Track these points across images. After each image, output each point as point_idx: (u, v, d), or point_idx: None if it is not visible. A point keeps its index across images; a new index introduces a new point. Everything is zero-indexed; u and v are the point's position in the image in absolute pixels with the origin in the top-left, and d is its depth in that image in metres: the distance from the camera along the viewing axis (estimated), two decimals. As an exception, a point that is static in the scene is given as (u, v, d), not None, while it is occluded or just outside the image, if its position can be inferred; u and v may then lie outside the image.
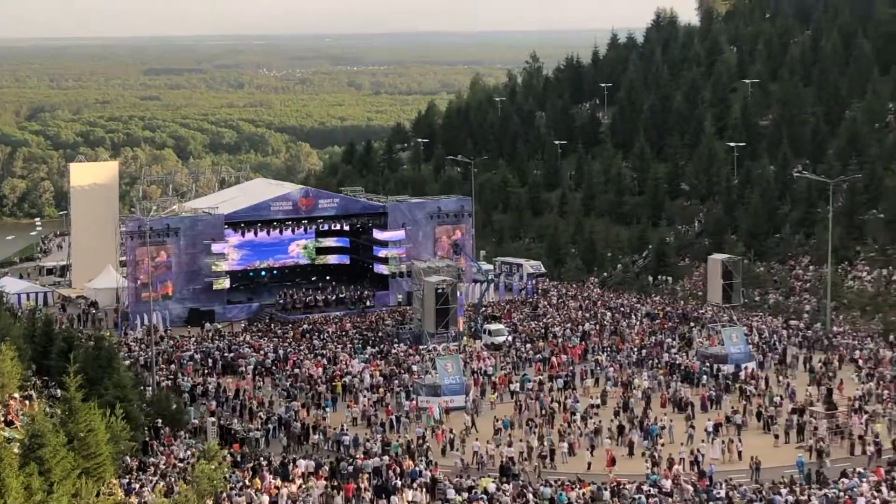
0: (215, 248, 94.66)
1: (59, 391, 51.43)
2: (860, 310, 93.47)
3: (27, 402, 49.10)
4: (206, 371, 75.79)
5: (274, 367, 75.89)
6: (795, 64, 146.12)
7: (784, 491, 48.04)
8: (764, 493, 48.35)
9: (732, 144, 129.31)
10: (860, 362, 75.17)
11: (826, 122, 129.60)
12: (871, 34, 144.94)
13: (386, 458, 55.41)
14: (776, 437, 60.87)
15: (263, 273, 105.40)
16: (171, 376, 73.00)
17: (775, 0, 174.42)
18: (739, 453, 57.37)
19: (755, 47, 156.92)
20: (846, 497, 46.48)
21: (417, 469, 53.30)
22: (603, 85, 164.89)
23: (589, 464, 56.71)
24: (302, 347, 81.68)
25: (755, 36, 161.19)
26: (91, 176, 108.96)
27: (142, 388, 66.14)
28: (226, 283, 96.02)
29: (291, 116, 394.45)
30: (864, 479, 49.12)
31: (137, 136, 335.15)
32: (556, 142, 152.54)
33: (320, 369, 74.46)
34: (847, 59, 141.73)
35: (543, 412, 64.87)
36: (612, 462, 55.75)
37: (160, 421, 60.36)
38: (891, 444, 58.03)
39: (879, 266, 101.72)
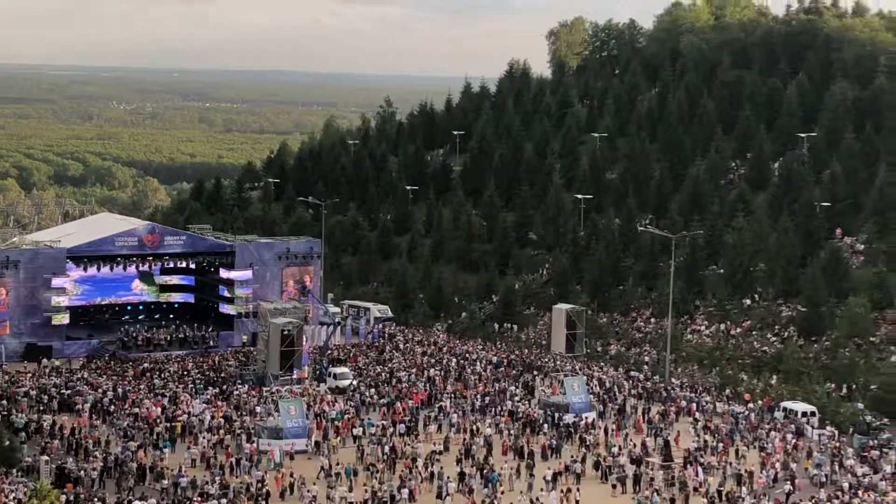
0: (56, 282, 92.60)
1: None
2: (698, 363, 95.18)
3: None
4: (41, 408, 73.92)
5: (112, 406, 74.27)
6: (642, 120, 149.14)
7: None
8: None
9: (580, 196, 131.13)
10: (697, 415, 76.72)
11: (670, 178, 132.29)
12: (715, 94, 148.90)
13: (224, 501, 54.77)
14: (613, 486, 61.71)
15: (105, 309, 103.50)
16: (5, 412, 71.11)
17: (624, 57, 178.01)
18: (577, 502, 57.95)
19: (604, 102, 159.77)
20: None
21: (255, 513, 52.86)
22: (455, 132, 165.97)
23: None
24: (142, 386, 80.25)
25: (604, 91, 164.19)
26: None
27: (-27, 424, 64.47)
28: (65, 318, 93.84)
29: (140, 151, 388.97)
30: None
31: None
32: (408, 187, 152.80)
33: (160, 409, 73.26)
34: (692, 118, 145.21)
35: (385, 457, 64.80)
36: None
37: (-9, 458, 58.96)
38: (725, 496, 59.22)
39: (718, 321, 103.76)
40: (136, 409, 73.11)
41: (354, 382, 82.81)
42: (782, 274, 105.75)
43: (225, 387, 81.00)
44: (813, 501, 57.21)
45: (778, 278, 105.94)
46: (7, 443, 62.69)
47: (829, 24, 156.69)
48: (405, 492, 58.66)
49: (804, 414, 75.83)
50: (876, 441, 70.60)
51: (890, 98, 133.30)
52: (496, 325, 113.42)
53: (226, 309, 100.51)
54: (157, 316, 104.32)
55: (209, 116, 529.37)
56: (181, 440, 68.16)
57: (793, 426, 74.17)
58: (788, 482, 61.80)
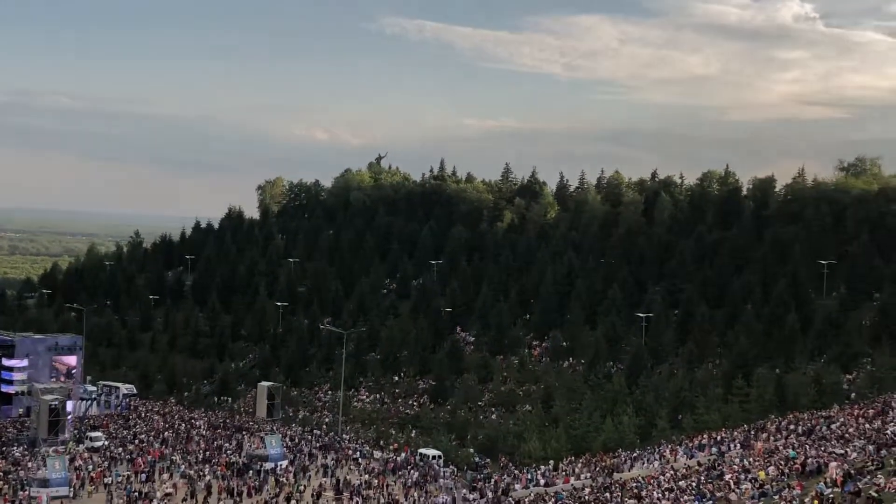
0: None
1: None
2: (361, 423, 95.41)
3: None
4: None
5: None
6: (324, 250, 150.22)
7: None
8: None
9: (279, 304, 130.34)
10: (360, 460, 76.61)
11: (343, 291, 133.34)
12: (374, 233, 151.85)
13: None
14: (300, 514, 60.56)
15: None
16: None
17: (311, 205, 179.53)
18: (273, 527, 56.57)
19: (297, 237, 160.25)
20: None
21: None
22: (188, 256, 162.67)
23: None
24: (-65, 450, 73.53)
25: (297, 229, 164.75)
26: None
27: None
28: None
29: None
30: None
31: None
32: (151, 296, 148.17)
33: (-51, 468, 67.22)
34: (358, 250, 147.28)
35: (129, 500, 61.50)
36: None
37: None
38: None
39: (375, 392, 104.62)
40: (-71, 469, 66.82)
41: (106, 443, 78.54)
42: (419, 358, 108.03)
43: (4, 448, 75.24)
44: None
45: (416, 361, 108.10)
46: None
47: (450, 187, 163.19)
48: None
49: (434, 457, 76.82)
50: (481, 475, 72.41)
51: (492, 239, 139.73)
52: (216, 398, 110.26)
53: (7, 389, 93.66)
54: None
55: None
56: (-34, 492, 62.65)
57: (425, 466, 75.01)
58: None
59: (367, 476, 70.50)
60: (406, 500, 63.56)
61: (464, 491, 66.83)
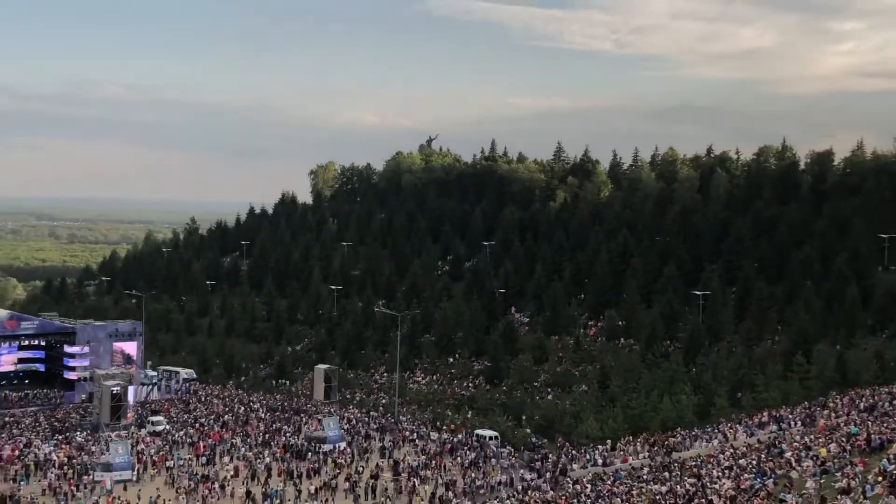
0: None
1: None
2: (417, 404, 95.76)
3: None
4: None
5: (-22, 452, 69.37)
6: (376, 233, 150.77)
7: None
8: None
9: (333, 287, 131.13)
10: (417, 441, 76.99)
11: (396, 274, 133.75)
12: (426, 216, 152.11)
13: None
14: (358, 496, 61.12)
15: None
16: None
17: (363, 189, 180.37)
18: (332, 508, 57.18)
19: (350, 221, 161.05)
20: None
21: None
22: (243, 242, 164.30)
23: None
24: (3, 435, 75.33)
25: (349, 213, 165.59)
26: None
27: None
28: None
29: (2, 258, 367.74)
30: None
31: None
32: (208, 282, 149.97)
33: (17, 451, 68.89)
34: (410, 232, 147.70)
35: (190, 483, 62.54)
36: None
37: None
38: (438, 499, 59.51)
39: (430, 374, 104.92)
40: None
41: (167, 427, 79.92)
42: (473, 339, 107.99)
43: (68, 433, 76.97)
44: (498, 500, 58.05)
45: (471, 342, 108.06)
46: None
47: (501, 167, 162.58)
48: (206, 507, 56.84)
49: (490, 438, 76.93)
50: (539, 455, 72.39)
51: (545, 219, 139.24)
52: (273, 382, 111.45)
53: (69, 375, 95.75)
54: (15, 382, 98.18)
55: (56, 232, 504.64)
56: (34, 474, 64.22)
57: (481, 447, 75.12)
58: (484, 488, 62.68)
59: (424, 457, 70.87)
60: (463, 480, 63.83)
61: (521, 471, 66.92)
